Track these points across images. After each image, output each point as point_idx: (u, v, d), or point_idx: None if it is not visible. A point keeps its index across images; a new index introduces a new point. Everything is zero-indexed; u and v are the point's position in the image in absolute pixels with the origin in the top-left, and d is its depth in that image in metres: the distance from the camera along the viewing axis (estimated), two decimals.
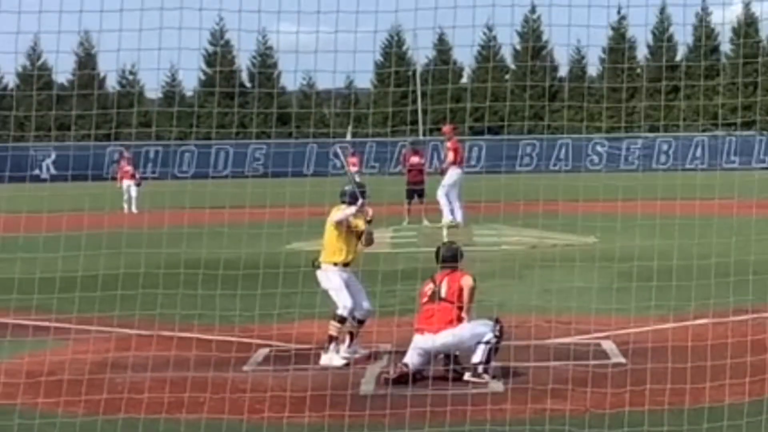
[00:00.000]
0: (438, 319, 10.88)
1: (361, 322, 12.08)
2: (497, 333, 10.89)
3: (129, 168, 40.51)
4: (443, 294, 11.00)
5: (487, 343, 10.78)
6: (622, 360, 11.33)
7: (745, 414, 8.66)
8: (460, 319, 10.94)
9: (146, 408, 9.30)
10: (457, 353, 10.94)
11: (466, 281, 11.15)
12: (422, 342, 10.82)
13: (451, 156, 29.00)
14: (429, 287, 11.16)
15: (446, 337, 10.80)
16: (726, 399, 9.33)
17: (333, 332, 11.81)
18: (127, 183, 39.91)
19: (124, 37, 9.22)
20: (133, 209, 37.33)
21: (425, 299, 11.11)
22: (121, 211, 35.34)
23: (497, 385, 10.44)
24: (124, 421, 8.96)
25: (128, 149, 44.84)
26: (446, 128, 29.30)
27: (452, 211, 28.38)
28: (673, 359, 10.07)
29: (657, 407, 9.11)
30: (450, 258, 11.39)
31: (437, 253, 11.52)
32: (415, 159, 31.50)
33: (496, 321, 11.03)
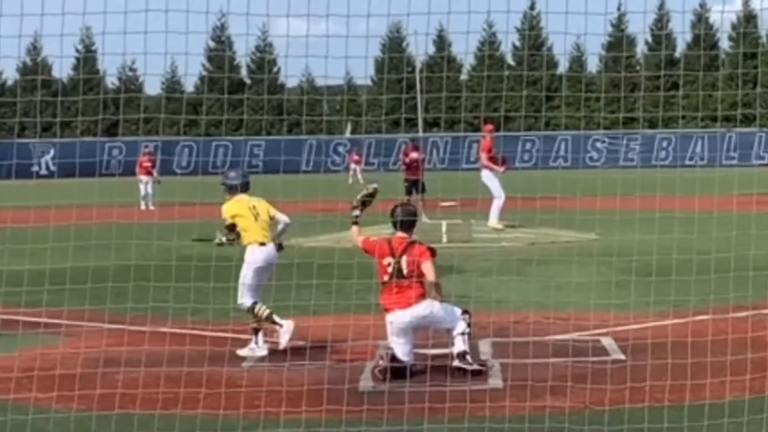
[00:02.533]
0: (406, 296, 10.70)
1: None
2: (468, 322, 10.86)
3: (148, 164, 40.05)
4: (405, 272, 10.72)
5: (462, 333, 10.75)
6: (622, 356, 11.26)
7: (746, 411, 8.59)
8: (424, 294, 10.78)
9: (140, 404, 9.23)
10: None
11: (426, 265, 10.72)
12: (396, 319, 10.67)
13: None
14: (387, 261, 10.80)
15: (418, 309, 10.69)
16: (726, 396, 9.25)
17: (254, 325, 11.95)
18: (144, 179, 39.36)
19: (123, 26, 9.11)
20: (150, 206, 36.88)
21: (386, 277, 10.79)
22: (137, 207, 34.93)
23: (496, 382, 10.37)
24: (119, 417, 8.88)
25: (148, 146, 44.58)
26: (489, 127, 28.14)
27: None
28: (673, 356, 10.00)
29: (657, 404, 9.05)
30: (409, 223, 11.03)
31: (393, 214, 11.03)
32: (414, 155, 31.51)
33: (466, 312, 10.95)
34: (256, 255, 12.14)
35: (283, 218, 12.45)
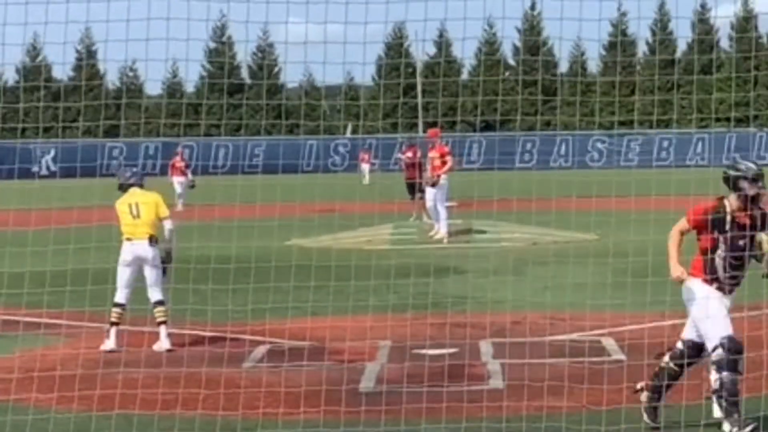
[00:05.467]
0: None
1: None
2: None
3: (181, 165, 39.43)
4: None
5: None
6: (622, 357, 11.27)
7: (743, 410, 8.61)
8: None
9: (140, 404, 9.26)
10: None
11: None
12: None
13: (447, 162, 25.60)
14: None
15: None
16: None
17: (114, 318, 12.36)
18: (177, 179, 38.49)
19: (124, 29, 9.14)
20: (179, 207, 35.42)
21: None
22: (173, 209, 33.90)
23: (495, 382, 10.38)
24: (119, 417, 8.91)
25: (180, 145, 43.98)
26: (433, 131, 26.85)
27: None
28: None
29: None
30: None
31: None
32: (409, 154, 31.49)
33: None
34: (123, 249, 12.62)
35: (167, 225, 12.86)
